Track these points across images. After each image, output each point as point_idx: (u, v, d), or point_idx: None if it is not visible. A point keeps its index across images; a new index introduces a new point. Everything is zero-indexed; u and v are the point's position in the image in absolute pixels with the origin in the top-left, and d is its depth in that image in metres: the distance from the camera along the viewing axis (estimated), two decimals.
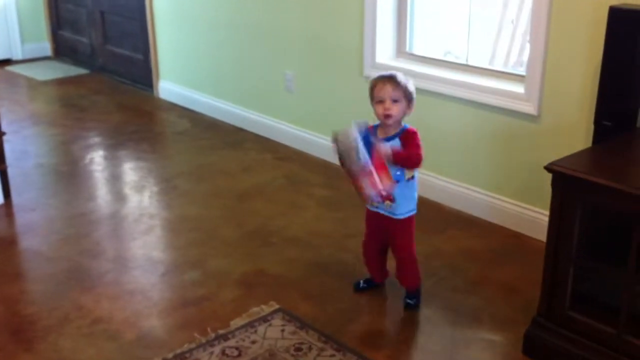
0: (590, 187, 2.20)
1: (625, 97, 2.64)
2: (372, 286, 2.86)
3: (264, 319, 2.62)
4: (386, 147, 2.46)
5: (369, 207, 2.66)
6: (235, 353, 2.43)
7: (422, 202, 3.63)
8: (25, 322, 2.68)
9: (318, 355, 2.41)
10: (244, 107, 4.80)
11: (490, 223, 3.43)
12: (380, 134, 2.56)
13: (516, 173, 3.35)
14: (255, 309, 2.69)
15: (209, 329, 2.57)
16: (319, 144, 4.25)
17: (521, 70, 3.33)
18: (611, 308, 2.28)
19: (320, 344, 2.47)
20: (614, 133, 2.67)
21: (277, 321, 2.61)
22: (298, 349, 2.45)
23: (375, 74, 2.62)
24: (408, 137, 2.54)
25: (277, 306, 2.70)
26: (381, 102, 2.51)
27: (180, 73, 5.35)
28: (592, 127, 2.77)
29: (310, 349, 2.45)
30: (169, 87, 5.46)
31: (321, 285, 2.91)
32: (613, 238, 2.35)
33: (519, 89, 3.25)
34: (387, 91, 2.50)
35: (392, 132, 2.55)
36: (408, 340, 2.60)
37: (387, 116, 2.50)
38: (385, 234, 2.69)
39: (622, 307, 2.22)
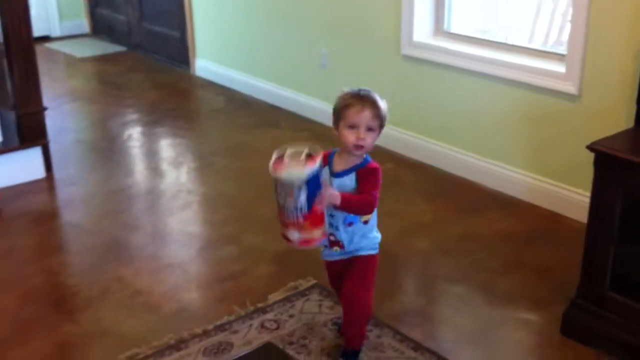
0: (633, 167, 2.18)
1: None
2: None
3: (302, 294, 2.65)
4: (335, 197, 2.02)
5: (322, 256, 2.29)
6: (274, 326, 2.47)
7: (459, 182, 3.65)
8: (67, 293, 2.75)
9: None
10: (279, 85, 4.81)
11: (528, 203, 3.40)
12: (337, 163, 2.14)
13: (555, 153, 3.31)
14: (292, 284, 2.72)
15: (247, 302, 2.60)
16: None
17: (561, 50, 3.28)
18: None
19: None
20: None
21: (314, 296, 2.63)
22: (335, 323, 2.47)
23: (346, 89, 2.14)
24: (367, 175, 2.11)
25: (314, 281, 2.72)
26: (353, 127, 2.05)
27: (216, 51, 5.37)
28: (634, 107, 2.73)
29: None
30: (205, 64, 5.49)
31: None
32: None
33: (559, 68, 3.21)
34: (365, 117, 2.04)
35: (352, 163, 2.12)
36: (443, 318, 2.61)
37: (359, 147, 2.07)
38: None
39: None
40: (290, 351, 2.31)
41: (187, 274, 2.86)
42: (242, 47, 5.08)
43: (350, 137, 2.06)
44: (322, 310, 2.55)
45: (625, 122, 2.89)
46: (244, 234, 3.16)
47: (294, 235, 2.04)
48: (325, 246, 2.21)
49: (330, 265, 2.29)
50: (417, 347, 2.36)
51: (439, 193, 3.55)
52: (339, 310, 2.54)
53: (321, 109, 4.48)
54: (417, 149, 3.93)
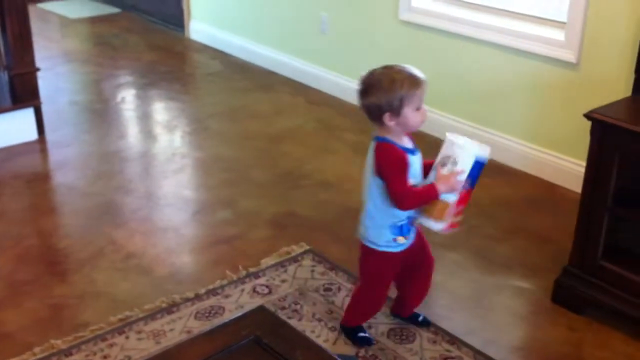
0: (630, 135, 2.16)
1: None
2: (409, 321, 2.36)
3: (294, 259, 2.64)
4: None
5: (395, 248, 2.09)
6: (266, 291, 2.47)
7: None
8: (60, 254, 2.74)
9: (347, 295, 2.43)
10: (277, 50, 4.75)
11: (525, 173, 3.39)
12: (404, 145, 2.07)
13: (553, 122, 3.29)
14: (285, 249, 2.72)
15: (240, 267, 2.60)
16: (351, 88, 4.19)
17: (561, 17, 3.24)
18: None
19: (349, 285, 2.49)
20: None
21: (307, 261, 2.63)
22: (327, 289, 2.47)
23: (409, 71, 1.99)
24: None
25: (307, 247, 2.72)
26: (419, 108, 1.99)
27: (212, 13, 5.29)
28: (632, 76, 2.70)
29: (339, 289, 2.48)
30: (201, 27, 5.42)
31: (351, 229, 2.87)
32: None
33: (559, 36, 3.17)
34: (424, 93, 2.01)
35: (408, 140, 2.07)
36: (438, 284, 2.60)
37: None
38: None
39: None
40: (282, 316, 2.31)
41: (180, 238, 2.85)
42: (239, 10, 5.01)
43: (417, 118, 1.99)
44: (314, 276, 2.55)
45: (623, 91, 2.87)
46: (239, 198, 3.14)
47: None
48: (406, 237, 2.09)
49: (399, 256, 2.12)
50: None
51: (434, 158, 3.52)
52: (331, 276, 2.54)
53: (319, 75, 4.44)
54: None
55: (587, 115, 2.26)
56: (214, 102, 4.30)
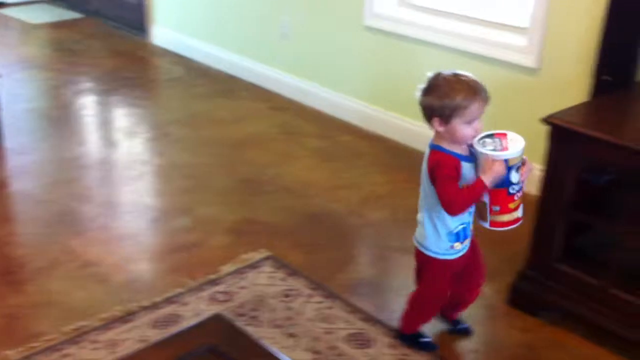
0: (587, 140, 2.19)
1: (626, 50, 2.60)
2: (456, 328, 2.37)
3: (254, 266, 2.62)
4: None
5: (449, 256, 2.10)
6: (224, 298, 2.44)
7: (418, 155, 3.62)
8: (15, 264, 2.68)
9: (306, 301, 2.42)
10: (239, 55, 4.73)
11: None
12: (458, 151, 2.03)
13: (514, 127, 3.27)
14: (245, 256, 2.69)
15: (198, 274, 2.57)
16: (314, 93, 4.21)
17: (522, 23, 3.27)
18: (599, 262, 2.29)
19: (308, 291, 2.48)
20: (613, 88, 2.64)
21: (266, 268, 2.61)
22: (287, 295, 2.46)
23: (444, 75, 1.97)
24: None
25: (267, 253, 2.70)
26: (470, 122, 1.94)
27: (174, 18, 5.25)
28: (591, 81, 2.74)
29: (298, 295, 2.46)
30: (163, 32, 5.37)
31: (312, 235, 2.90)
32: (606, 192, 2.34)
33: (520, 41, 3.20)
34: (483, 109, 1.95)
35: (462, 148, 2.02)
36: (394, 289, 2.60)
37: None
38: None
39: (611, 261, 2.23)
40: (240, 323, 2.29)
41: (138, 245, 2.81)
42: (202, 15, 4.98)
43: (468, 131, 1.93)
44: (274, 282, 2.53)
45: (583, 97, 2.90)
46: (199, 205, 3.11)
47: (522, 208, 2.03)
48: (462, 243, 2.09)
49: (456, 262, 2.12)
50: (368, 318, 2.36)
51: (397, 165, 3.54)
52: (291, 283, 2.53)
53: (281, 80, 4.43)
54: (377, 122, 3.90)
55: (545, 120, 2.28)
56: (175, 108, 4.26)
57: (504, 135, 1.99)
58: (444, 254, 2.08)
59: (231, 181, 3.35)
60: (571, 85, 2.99)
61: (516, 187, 1.96)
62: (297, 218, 3.02)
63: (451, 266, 2.12)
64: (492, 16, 3.46)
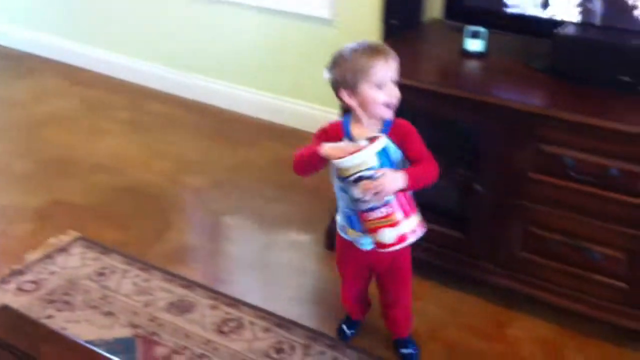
0: None
1: None
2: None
3: (62, 249, 2.49)
4: (398, 178, 1.67)
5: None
6: (33, 287, 2.30)
7: (235, 118, 3.61)
8: None
9: (122, 277, 2.34)
10: (31, 29, 4.40)
11: (300, 130, 3.43)
12: (355, 133, 1.77)
13: (316, 78, 3.35)
14: (52, 241, 2.54)
15: (1, 267, 2.40)
16: (122, 65, 4.03)
17: None
18: None
19: (123, 266, 2.39)
20: (400, 30, 2.75)
21: (76, 249, 2.49)
22: (100, 274, 2.36)
23: (350, 45, 1.77)
24: (407, 133, 1.76)
25: (76, 235, 2.57)
26: (380, 86, 1.71)
27: None
28: (381, 26, 2.83)
29: (113, 272, 2.37)
30: None
31: (127, 210, 2.80)
32: None
33: None
34: (392, 70, 1.72)
35: (375, 129, 1.75)
36: (217, 251, 2.59)
37: (390, 106, 1.73)
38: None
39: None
40: (52, 310, 2.17)
41: None
42: None
43: (379, 96, 1.70)
44: (85, 263, 2.42)
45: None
46: None
47: (388, 234, 1.69)
48: (355, 230, 1.87)
49: (357, 252, 1.92)
50: (187, 284, 2.32)
51: (215, 130, 3.49)
52: (105, 261, 2.43)
53: (85, 54, 4.19)
54: (192, 88, 3.81)
55: None
56: None
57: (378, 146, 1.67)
58: (341, 230, 1.93)
59: (33, 165, 3.14)
60: (364, 32, 3.05)
61: (363, 206, 1.70)
62: (111, 194, 2.90)
63: (350, 251, 1.92)
64: None
